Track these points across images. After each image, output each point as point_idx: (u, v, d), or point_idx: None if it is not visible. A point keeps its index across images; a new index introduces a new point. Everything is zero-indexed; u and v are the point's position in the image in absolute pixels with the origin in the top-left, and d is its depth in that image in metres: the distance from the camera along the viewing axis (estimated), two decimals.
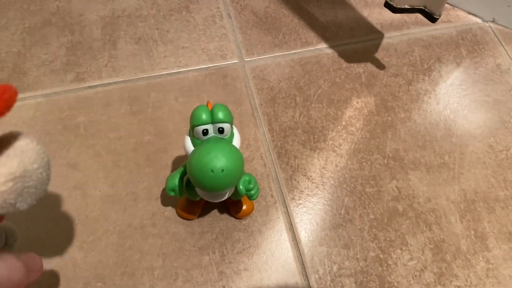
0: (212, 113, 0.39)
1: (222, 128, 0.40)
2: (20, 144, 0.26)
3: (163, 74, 0.60)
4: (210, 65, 0.62)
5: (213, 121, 0.39)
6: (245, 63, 0.62)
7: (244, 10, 0.68)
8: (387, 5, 0.51)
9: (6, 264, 0.26)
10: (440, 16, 0.49)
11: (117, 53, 0.62)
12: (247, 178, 0.43)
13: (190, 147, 0.41)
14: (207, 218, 0.50)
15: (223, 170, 0.37)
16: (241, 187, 0.42)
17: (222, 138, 0.40)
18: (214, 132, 0.40)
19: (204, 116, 0.39)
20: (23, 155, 0.25)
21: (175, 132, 0.56)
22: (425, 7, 0.51)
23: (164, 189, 0.52)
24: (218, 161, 0.37)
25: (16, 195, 0.25)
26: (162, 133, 0.56)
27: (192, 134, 0.41)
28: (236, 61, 0.63)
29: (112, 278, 0.46)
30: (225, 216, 0.51)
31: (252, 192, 0.43)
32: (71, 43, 0.62)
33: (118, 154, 0.54)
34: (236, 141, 0.42)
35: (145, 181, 0.52)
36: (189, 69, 0.61)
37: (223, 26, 0.66)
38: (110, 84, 0.59)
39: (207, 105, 0.41)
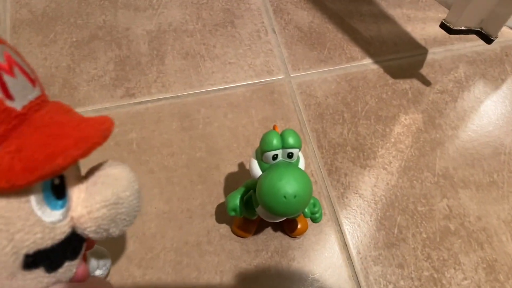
0: (282, 138, 0.40)
1: (292, 153, 0.40)
2: (114, 172, 0.27)
3: (212, 90, 0.61)
4: (257, 81, 0.62)
5: (284, 146, 0.40)
6: (291, 79, 0.63)
7: (288, 25, 0.68)
8: (443, 26, 0.51)
9: None
10: (497, 37, 0.50)
11: (165, 68, 0.62)
12: (312, 202, 0.44)
13: (258, 171, 0.41)
14: (261, 236, 0.51)
15: (295, 196, 0.37)
16: (306, 210, 0.43)
17: (290, 162, 0.41)
18: (283, 157, 0.41)
19: (275, 142, 0.39)
20: (117, 183, 0.26)
21: (225, 149, 0.56)
22: (481, 28, 0.51)
23: (218, 206, 0.52)
24: (291, 187, 0.37)
25: (110, 221, 0.26)
26: (213, 150, 0.56)
27: (260, 157, 0.41)
28: (282, 76, 0.63)
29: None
30: (279, 234, 0.51)
31: (317, 215, 0.44)
32: (119, 57, 0.63)
33: (171, 170, 0.54)
34: (302, 165, 0.42)
35: (199, 198, 0.53)
36: (236, 85, 0.62)
37: (268, 41, 0.66)
38: (160, 100, 0.60)
39: (275, 129, 0.41)
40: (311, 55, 0.65)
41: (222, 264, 0.49)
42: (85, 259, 0.32)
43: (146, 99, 0.60)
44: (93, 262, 0.44)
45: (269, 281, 0.48)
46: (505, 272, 0.50)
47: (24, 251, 0.22)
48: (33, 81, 0.26)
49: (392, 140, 0.58)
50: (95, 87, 0.60)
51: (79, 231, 0.26)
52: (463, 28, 0.50)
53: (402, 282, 0.49)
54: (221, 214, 0.52)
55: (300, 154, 0.43)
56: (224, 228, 0.51)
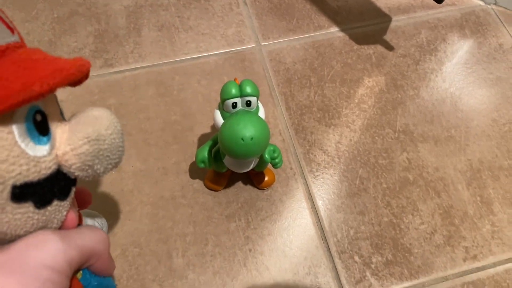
0: (240, 87, 0.43)
1: (250, 101, 0.44)
2: (95, 113, 0.28)
3: (186, 59, 0.64)
4: (229, 50, 0.66)
5: (242, 94, 0.43)
6: (261, 47, 0.66)
7: None
8: None
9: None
10: None
11: (142, 40, 0.66)
12: (272, 148, 0.47)
13: (220, 119, 0.45)
14: (232, 189, 0.55)
15: (252, 138, 0.41)
16: (266, 156, 0.46)
17: (249, 110, 0.44)
18: (242, 105, 0.44)
19: (233, 91, 0.43)
20: (98, 121, 0.28)
21: (199, 113, 0.60)
22: None
23: (192, 164, 0.56)
24: (248, 130, 0.41)
25: (93, 157, 0.27)
26: (187, 114, 0.60)
27: (222, 107, 0.45)
28: (253, 45, 0.67)
29: (148, 244, 0.51)
30: (248, 187, 0.55)
31: (277, 160, 0.47)
32: (98, 31, 0.67)
33: (147, 133, 0.58)
34: (262, 114, 0.46)
35: (174, 157, 0.57)
36: (209, 54, 0.65)
37: (240, 13, 0.70)
38: (136, 69, 0.63)
39: (235, 81, 0.45)
40: (281, 25, 0.69)
41: (195, 215, 0.53)
42: (80, 220, 0.33)
43: (123, 68, 0.63)
44: (89, 222, 0.47)
45: (239, 229, 0.52)
46: (460, 217, 0.54)
47: (11, 182, 0.23)
48: (11, 29, 0.27)
49: (356, 101, 0.62)
50: None
51: (65, 170, 0.27)
52: None
53: (363, 227, 0.53)
54: (195, 171, 0.56)
55: (260, 104, 0.47)
56: (198, 183, 0.55)
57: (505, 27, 0.71)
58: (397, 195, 0.55)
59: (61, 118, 0.29)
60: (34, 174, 0.24)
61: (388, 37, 0.69)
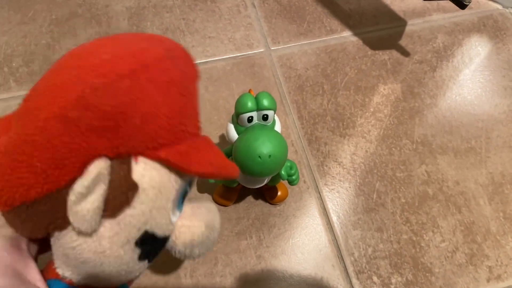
0: (257, 100, 0.40)
1: (267, 115, 0.41)
2: (212, 207, 0.33)
3: None
4: (237, 54, 0.63)
5: (258, 108, 0.40)
6: (271, 52, 0.63)
7: None
8: None
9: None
10: (470, 2, 0.50)
11: None
12: (289, 164, 0.44)
13: (234, 134, 0.42)
14: (242, 204, 0.52)
15: (270, 156, 0.38)
16: (283, 172, 0.43)
17: (265, 124, 0.41)
18: (258, 119, 0.41)
19: (250, 104, 0.40)
20: (215, 214, 0.32)
21: (206, 121, 0.57)
22: None
23: None
24: (266, 147, 0.38)
25: (200, 240, 0.30)
26: None
27: (236, 121, 0.42)
28: (262, 50, 0.63)
29: (154, 264, 0.47)
30: (260, 202, 0.52)
31: (294, 177, 0.44)
32: (99, 34, 0.63)
33: None
34: (278, 128, 0.43)
35: None
36: (216, 58, 0.62)
37: (248, 15, 0.67)
38: None
39: (250, 93, 0.42)
40: (291, 28, 0.66)
41: None
42: None
43: None
44: None
45: (250, 247, 0.49)
46: (482, 234, 0.51)
47: (148, 227, 0.26)
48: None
49: (371, 109, 0.59)
50: None
51: (170, 240, 0.29)
52: None
53: (381, 245, 0.50)
54: (203, 185, 0.52)
55: (276, 117, 0.44)
56: (206, 198, 0.52)
57: None
58: (417, 211, 0.52)
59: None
60: (161, 230, 0.27)
61: (403, 42, 0.66)
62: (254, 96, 0.41)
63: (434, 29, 0.68)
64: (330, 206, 0.52)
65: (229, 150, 0.46)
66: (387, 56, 0.64)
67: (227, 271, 0.48)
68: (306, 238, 0.50)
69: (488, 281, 0.49)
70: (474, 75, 0.64)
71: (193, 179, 0.32)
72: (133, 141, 0.25)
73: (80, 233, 0.24)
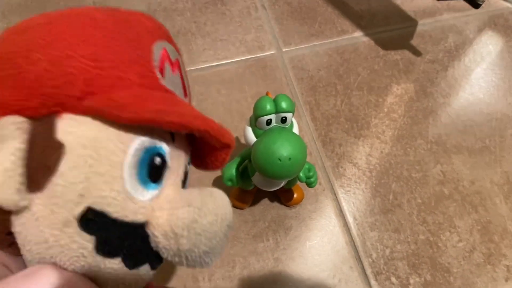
0: (275, 103, 0.40)
1: (285, 118, 0.40)
2: (214, 192, 0.25)
3: (204, 67, 0.61)
4: (249, 57, 0.63)
5: (277, 111, 0.40)
6: (283, 54, 0.63)
7: (278, 0, 0.68)
8: None
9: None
10: (483, 1, 0.50)
11: None
12: (307, 167, 0.44)
13: (252, 137, 0.42)
14: (258, 207, 0.51)
15: (290, 158, 0.38)
16: (301, 174, 0.43)
17: (284, 127, 0.41)
18: (276, 122, 0.41)
19: (268, 106, 0.40)
20: (210, 197, 0.25)
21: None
22: None
23: (215, 179, 0.53)
24: (285, 149, 0.38)
25: (184, 228, 0.23)
26: None
27: (254, 124, 0.42)
28: (274, 52, 0.63)
29: (172, 269, 0.48)
30: (275, 204, 0.52)
31: (312, 179, 0.44)
32: None
33: None
34: (296, 130, 0.43)
35: (196, 172, 0.53)
36: (228, 61, 0.62)
37: (259, 17, 0.66)
38: None
39: (268, 95, 0.41)
40: (302, 30, 0.66)
41: None
42: None
43: None
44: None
45: (267, 250, 0.49)
46: (499, 233, 0.51)
47: (90, 201, 0.21)
48: (186, 92, 0.29)
49: (385, 109, 0.59)
50: None
51: (149, 232, 0.23)
52: None
53: (399, 246, 0.50)
54: (219, 187, 0.52)
55: (294, 119, 0.43)
56: None
57: None
58: (433, 211, 0.52)
59: (181, 185, 0.26)
60: (114, 208, 0.21)
61: (415, 41, 0.66)
62: (272, 98, 0.41)
63: (445, 28, 0.67)
64: (346, 207, 0.52)
65: (246, 153, 0.46)
66: (399, 56, 0.64)
67: (245, 273, 0.47)
68: (323, 240, 0.50)
69: (506, 280, 0.48)
70: (486, 74, 0.63)
71: (172, 148, 0.25)
72: (46, 89, 0.20)
73: (9, 208, 0.20)
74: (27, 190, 0.20)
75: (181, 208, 0.23)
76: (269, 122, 0.41)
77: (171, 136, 0.25)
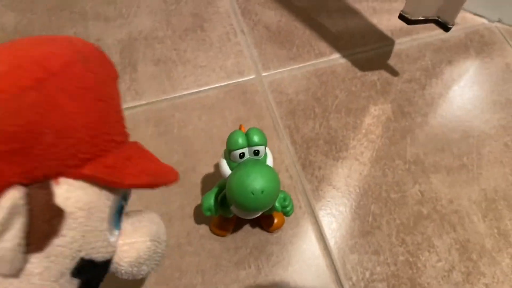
0: (247, 136, 0.41)
1: (258, 151, 0.41)
2: (155, 219, 0.30)
3: (185, 94, 0.62)
4: (229, 82, 0.64)
5: (249, 144, 0.41)
6: (262, 78, 0.64)
7: (257, 25, 0.70)
8: (402, 18, 0.53)
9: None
10: (453, 25, 0.51)
11: (138, 76, 0.63)
12: (282, 196, 0.45)
13: (227, 170, 0.43)
14: (240, 233, 0.52)
15: (263, 191, 0.38)
16: (277, 204, 0.44)
17: (257, 159, 0.42)
18: (250, 154, 0.42)
19: (240, 141, 0.41)
20: (160, 225, 0.30)
21: (201, 151, 0.58)
22: (439, 17, 0.53)
23: (196, 207, 0.54)
24: (258, 183, 0.38)
25: (147, 257, 0.28)
26: (189, 152, 0.57)
27: (228, 157, 0.43)
28: (253, 76, 0.64)
29: None
30: (257, 230, 0.52)
31: (288, 208, 0.45)
32: None
33: None
34: (270, 161, 0.44)
35: (178, 201, 0.54)
36: (209, 87, 0.63)
37: (238, 42, 0.68)
38: (134, 107, 0.61)
39: (240, 129, 0.42)
40: (281, 54, 0.67)
41: (203, 263, 0.50)
42: None
43: None
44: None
45: (249, 277, 0.49)
46: (478, 251, 0.52)
47: (83, 254, 0.23)
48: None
49: (363, 131, 0.60)
50: None
51: (114, 262, 0.27)
52: (420, 18, 0.52)
53: (378, 268, 0.50)
54: (200, 215, 0.53)
55: (268, 150, 0.44)
56: (203, 229, 0.52)
57: (511, 46, 0.69)
58: (412, 231, 0.53)
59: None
60: (100, 254, 0.24)
61: (392, 61, 0.67)
62: (245, 132, 0.42)
63: (421, 47, 0.69)
64: (326, 231, 0.53)
65: (224, 182, 0.47)
66: (376, 76, 0.65)
67: None
68: (304, 264, 0.51)
69: None
70: (463, 91, 0.64)
71: (128, 192, 0.29)
72: (50, 162, 0.21)
73: (4, 276, 0.21)
74: (27, 252, 0.21)
75: (144, 242, 0.27)
76: (242, 155, 0.41)
77: None
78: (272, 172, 0.40)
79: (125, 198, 0.28)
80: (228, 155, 0.43)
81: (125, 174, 0.24)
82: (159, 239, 0.28)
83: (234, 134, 0.41)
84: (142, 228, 0.28)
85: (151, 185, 0.25)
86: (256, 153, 0.42)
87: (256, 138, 0.41)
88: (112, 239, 0.26)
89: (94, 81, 0.25)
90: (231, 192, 0.40)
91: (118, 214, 0.27)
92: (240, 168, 0.41)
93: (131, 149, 0.27)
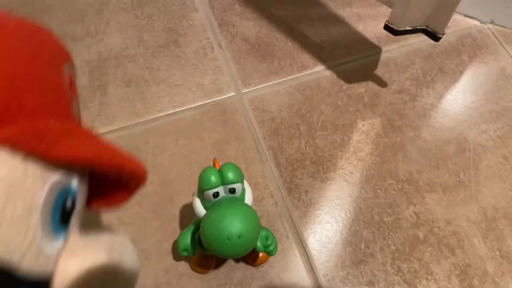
0: (221, 173, 0.37)
1: (234, 189, 0.37)
2: (121, 239, 0.24)
3: (159, 116, 0.58)
4: (207, 101, 0.59)
5: (224, 182, 0.37)
6: (242, 95, 0.60)
7: (235, 38, 0.65)
8: (387, 28, 0.49)
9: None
10: (444, 34, 0.47)
11: (109, 99, 0.59)
12: (264, 234, 0.41)
13: (201, 210, 0.39)
14: (223, 270, 0.48)
15: (240, 236, 0.35)
16: (259, 245, 0.40)
17: (234, 197, 0.38)
18: (225, 192, 0.38)
19: (213, 179, 0.37)
20: (122, 241, 0.24)
21: (179, 178, 0.53)
22: (427, 26, 0.49)
23: (174, 242, 0.50)
24: (235, 227, 0.35)
25: (102, 280, 0.21)
26: (166, 181, 0.53)
27: (201, 196, 0.39)
28: (233, 94, 0.60)
29: None
30: (241, 265, 0.48)
31: (271, 248, 0.41)
32: None
33: (121, 209, 0.51)
34: (248, 198, 0.40)
35: (154, 236, 0.50)
36: (185, 108, 0.59)
37: (215, 58, 0.63)
38: (105, 133, 0.56)
39: (214, 165, 0.38)
40: (261, 68, 0.63)
41: None
42: None
43: None
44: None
45: None
46: (479, 277, 0.48)
47: None
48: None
49: (352, 149, 0.56)
50: None
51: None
52: (408, 28, 0.48)
53: None
54: (176, 253, 0.49)
55: (246, 185, 0.40)
56: (183, 266, 0.48)
57: (505, 48, 0.65)
58: (408, 258, 0.49)
59: (79, 229, 0.23)
60: (26, 264, 0.17)
61: (379, 71, 0.63)
62: (219, 168, 0.38)
63: (411, 54, 0.65)
64: (316, 262, 0.49)
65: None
66: (363, 88, 0.61)
67: None
68: None
69: None
70: (456, 100, 0.61)
71: (80, 188, 0.22)
72: None
73: None
74: None
75: (96, 259, 0.21)
76: (216, 195, 0.37)
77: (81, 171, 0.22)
78: (250, 212, 0.36)
79: (74, 194, 0.21)
80: (201, 194, 0.38)
81: (56, 142, 0.18)
82: (123, 257, 0.22)
83: (206, 171, 0.37)
84: (97, 243, 0.21)
85: (92, 161, 0.18)
86: (232, 191, 0.38)
87: (230, 175, 0.37)
88: (49, 249, 0.19)
89: (27, 36, 0.21)
90: (205, 237, 0.36)
91: (61, 214, 0.20)
92: (214, 209, 0.37)
93: (75, 126, 0.22)
